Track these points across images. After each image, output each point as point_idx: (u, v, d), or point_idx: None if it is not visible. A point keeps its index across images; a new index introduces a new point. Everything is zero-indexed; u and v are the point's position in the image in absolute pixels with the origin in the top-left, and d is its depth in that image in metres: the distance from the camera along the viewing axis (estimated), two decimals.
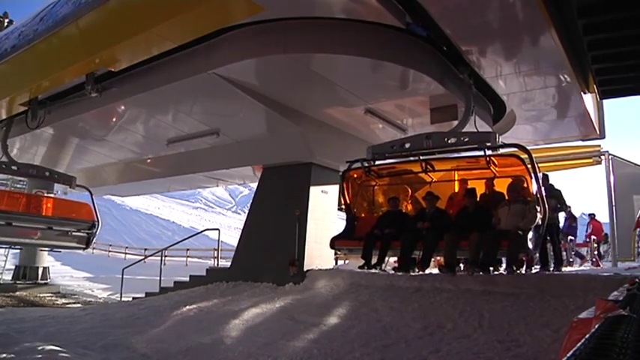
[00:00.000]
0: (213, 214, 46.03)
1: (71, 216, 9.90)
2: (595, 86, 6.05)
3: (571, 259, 13.22)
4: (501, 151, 5.82)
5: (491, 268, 5.83)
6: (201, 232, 15.58)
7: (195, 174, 11.04)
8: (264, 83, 6.78)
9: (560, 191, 7.05)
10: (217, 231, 11.84)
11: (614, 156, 10.46)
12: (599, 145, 10.56)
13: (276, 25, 5.47)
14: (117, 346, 5.45)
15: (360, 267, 6.44)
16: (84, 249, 10.47)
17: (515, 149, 5.70)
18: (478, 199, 6.32)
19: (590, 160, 10.83)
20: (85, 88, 6.74)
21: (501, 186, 6.42)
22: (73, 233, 9.63)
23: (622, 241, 10.27)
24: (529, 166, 5.40)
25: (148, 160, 10.83)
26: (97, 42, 5.60)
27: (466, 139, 5.53)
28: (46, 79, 6.71)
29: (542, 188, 5.38)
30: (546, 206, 5.17)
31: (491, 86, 6.88)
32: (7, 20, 13.41)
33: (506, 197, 6.03)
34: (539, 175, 5.55)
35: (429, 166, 6.35)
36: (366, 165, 6.15)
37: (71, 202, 10.82)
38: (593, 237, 15.10)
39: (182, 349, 5.14)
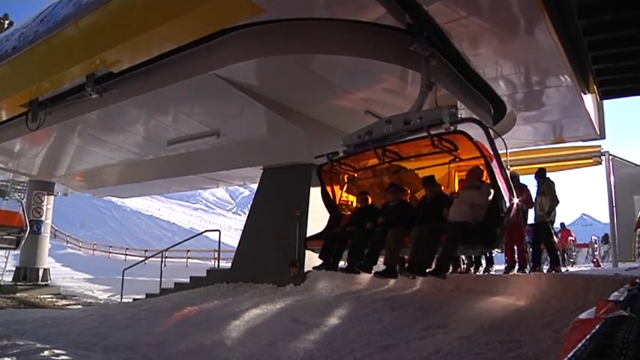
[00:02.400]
0: (214, 215, 46.03)
1: (3, 223, 11.92)
2: (595, 87, 6.05)
3: (571, 259, 13.27)
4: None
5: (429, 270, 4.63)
6: (202, 233, 15.57)
7: (195, 175, 11.05)
8: (265, 84, 6.79)
9: (551, 185, 6.98)
10: (218, 232, 11.84)
11: (615, 156, 10.47)
12: (600, 146, 10.58)
13: (277, 26, 5.47)
14: (117, 347, 5.45)
15: (315, 267, 5.51)
16: (14, 249, 12.65)
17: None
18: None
19: (591, 161, 10.85)
20: (86, 89, 6.74)
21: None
22: (4, 237, 11.88)
23: (622, 242, 10.26)
24: (487, 145, 4.53)
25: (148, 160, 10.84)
26: (98, 43, 5.61)
27: (419, 119, 4.83)
28: (46, 80, 6.72)
29: (508, 175, 4.42)
30: (512, 194, 4.27)
31: (492, 87, 6.88)
32: (7, 22, 13.41)
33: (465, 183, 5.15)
34: (511, 170, 4.85)
35: (392, 154, 5.37)
36: (335, 158, 5.41)
37: (4, 212, 12.64)
38: (594, 237, 15.15)
39: (183, 350, 5.14)
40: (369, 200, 5.85)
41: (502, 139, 4.71)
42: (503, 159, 4.44)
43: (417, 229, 4.58)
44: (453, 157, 5.17)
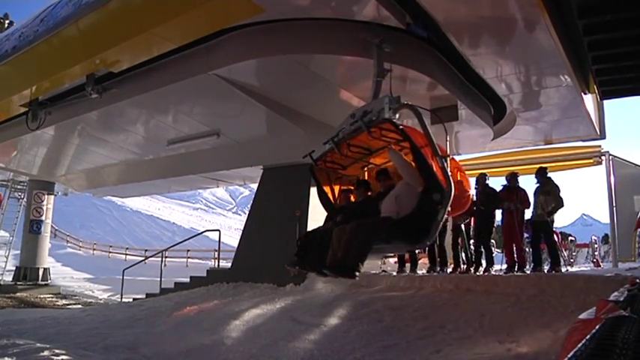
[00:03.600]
0: (214, 215, 46.03)
1: None
2: (595, 87, 6.05)
3: (572, 260, 13.26)
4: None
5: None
6: (202, 233, 15.59)
7: (195, 175, 11.05)
8: (265, 84, 6.79)
9: (556, 187, 7.00)
10: (218, 232, 11.85)
11: (615, 156, 10.46)
12: (600, 146, 10.56)
13: (277, 25, 5.47)
14: (117, 347, 5.45)
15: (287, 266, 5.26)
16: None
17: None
18: None
19: (591, 161, 10.83)
20: (86, 89, 6.74)
21: None
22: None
23: (622, 242, 10.25)
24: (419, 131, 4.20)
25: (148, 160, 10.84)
26: (98, 43, 5.61)
27: (367, 111, 4.56)
28: (46, 80, 6.72)
29: (445, 164, 4.03)
30: (450, 185, 3.88)
31: (492, 87, 6.88)
32: (7, 21, 13.42)
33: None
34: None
35: (359, 149, 5.14)
36: (316, 158, 5.18)
37: None
38: (594, 237, 15.14)
39: (183, 350, 5.14)
40: (352, 197, 5.51)
41: (444, 125, 4.57)
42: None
43: (350, 225, 4.22)
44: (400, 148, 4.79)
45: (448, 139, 4.47)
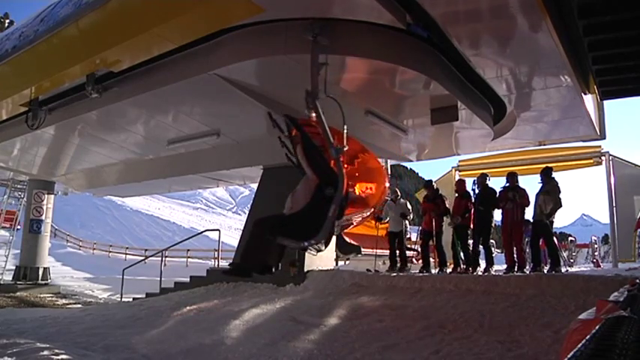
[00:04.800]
0: (214, 215, 46.03)
1: None
2: (595, 87, 6.06)
3: (571, 260, 13.26)
4: None
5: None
6: (202, 232, 15.58)
7: (195, 174, 11.05)
8: (265, 84, 6.79)
9: (557, 188, 7.00)
10: (218, 232, 11.85)
11: (615, 157, 10.47)
12: (600, 146, 10.57)
13: (277, 25, 5.47)
14: (117, 346, 5.45)
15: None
16: None
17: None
18: None
19: (591, 161, 10.85)
20: (86, 88, 6.75)
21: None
22: None
23: (622, 242, 10.26)
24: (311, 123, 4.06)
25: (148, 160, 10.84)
26: (98, 43, 5.61)
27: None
28: (46, 79, 6.72)
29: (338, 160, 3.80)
30: (342, 180, 3.68)
31: (492, 87, 6.88)
32: (7, 21, 13.42)
33: None
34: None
35: None
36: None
37: None
38: (594, 238, 15.15)
39: (182, 350, 5.14)
40: None
41: (342, 111, 4.32)
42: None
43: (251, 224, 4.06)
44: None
45: (346, 129, 4.26)
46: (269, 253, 4.02)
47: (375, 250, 9.11)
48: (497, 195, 7.44)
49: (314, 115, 4.15)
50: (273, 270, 4.30)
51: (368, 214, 4.82)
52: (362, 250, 10.20)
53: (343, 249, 9.54)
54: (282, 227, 3.87)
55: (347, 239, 9.49)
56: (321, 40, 4.95)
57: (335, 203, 3.65)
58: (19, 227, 15.80)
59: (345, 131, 4.04)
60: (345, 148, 4.00)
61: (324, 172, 3.83)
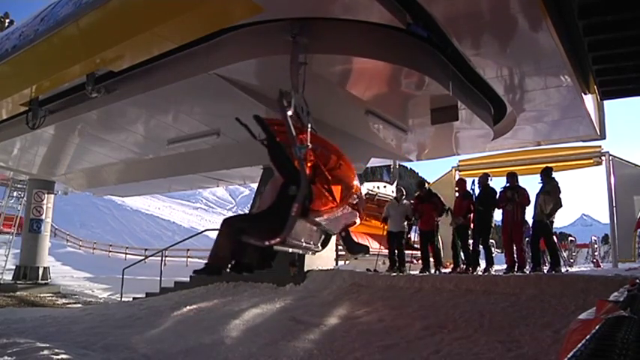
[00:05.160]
0: (214, 215, 45.98)
1: None
2: (595, 87, 6.06)
3: (571, 260, 13.27)
4: None
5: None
6: (202, 232, 15.56)
7: (195, 174, 11.05)
8: (265, 84, 6.79)
9: (557, 188, 7.00)
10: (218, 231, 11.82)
11: (615, 157, 10.47)
12: (600, 146, 10.57)
13: (277, 25, 5.47)
14: (117, 346, 5.45)
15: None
16: None
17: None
18: None
19: (591, 161, 10.84)
20: (86, 88, 6.74)
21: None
22: None
23: (622, 242, 10.26)
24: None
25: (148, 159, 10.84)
26: (98, 42, 5.60)
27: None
28: (46, 79, 6.72)
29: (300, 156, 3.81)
30: (304, 178, 3.71)
31: (492, 87, 6.88)
32: (7, 20, 13.42)
33: None
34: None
35: None
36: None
37: None
38: (594, 238, 15.16)
39: (182, 350, 5.14)
40: None
41: (308, 113, 4.37)
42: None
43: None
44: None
45: (311, 126, 4.32)
46: (243, 251, 4.03)
47: (380, 249, 9.13)
48: (498, 195, 7.45)
49: (290, 113, 4.19)
50: (269, 267, 4.36)
51: (344, 212, 4.82)
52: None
53: (351, 249, 9.53)
54: (248, 226, 3.91)
55: (355, 239, 9.49)
56: (299, 39, 5.04)
57: (297, 202, 3.67)
58: (18, 232, 15.81)
59: (309, 129, 4.13)
60: (309, 146, 4.04)
61: (289, 171, 3.87)
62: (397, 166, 12.92)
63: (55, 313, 8.89)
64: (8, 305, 11.02)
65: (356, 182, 5.08)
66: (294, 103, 4.28)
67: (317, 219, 4.29)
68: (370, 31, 5.44)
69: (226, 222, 4.06)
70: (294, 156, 3.83)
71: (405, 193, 9.09)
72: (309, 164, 3.98)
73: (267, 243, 3.83)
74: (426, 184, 8.62)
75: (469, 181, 8.52)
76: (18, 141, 10.02)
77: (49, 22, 5.90)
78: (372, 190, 11.30)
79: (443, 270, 8.28)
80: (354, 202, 4.96)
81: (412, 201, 8.57)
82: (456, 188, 8.14)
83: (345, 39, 5.50)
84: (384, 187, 11.52)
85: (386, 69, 6.09)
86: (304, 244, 4.60)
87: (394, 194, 10.09)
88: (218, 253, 4.10)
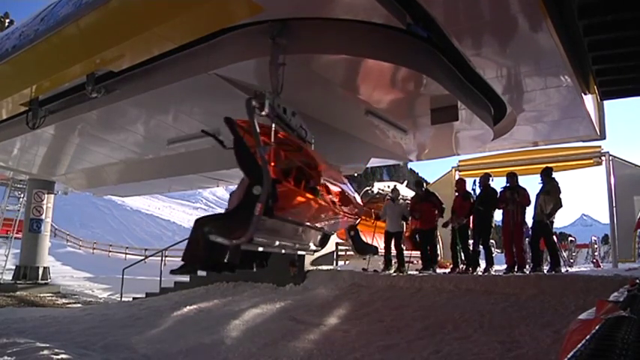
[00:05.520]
0: None
1: None
2: (595, 87, 6.06)
3: (571, 260, 13.27)
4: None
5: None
6: None
7: (195, 174, 11.04)
8: (265, 84, 6.77)
9: (557, 188, 7.00)
10: None
11: (615, 157, 10.48)
12: (600, 146, 10.58)
13: (277, 25, 5.46)
14: (117, 346, 5.46)
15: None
16: None
17: None
18: None
19: (591, 161, 10.86)
20: (86, 88, 6.74)
21: None
22: None
23: (622, 242, 10.26)
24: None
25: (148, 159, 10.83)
26: (98, 42, 5.60)
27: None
28: (46, 79, 6.71)
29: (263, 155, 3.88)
30: (267, 178, 3.76)
31: (492, 87, 6.88)
32: (7, 20, 13.44)
33: None
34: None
35: None
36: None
37: None
38: (594, 238, 15.16)
39: (182, 350, 5.14)
40: None
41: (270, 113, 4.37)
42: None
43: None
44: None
45: (301, 126, 4.56)
46: (221, 250, 4.12)
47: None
48: (498, 195, 7.45)
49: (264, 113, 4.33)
50: (261, 267, 4.64)
51: (330, 213, 4.93)
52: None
53: (360, 249, 9.55)
54: (215, 225, 4.00)
55: (364, 239, 9.50)
56: (279, 41, 5.11)
57: (260, 201, 3.72)
58: (17, 236, 15.81)
59: (274, 128, 4.21)
60: (272, 146, 4.14)
61: (253, 171, 3.97)
62: (406, 166, 13.01)
63: (55, 313, 8.89)
64: (8, 305, 11.03)
65: (344, 187, 5.18)
66: (268, 103, 4.39)
67: (292, 218, 4.48)
68: (370, 31, 5.43)
69: (197, 221, 4.19)
70: (259, 156, 3.89)
71: (400, 193, 9.11)
72: (273, 164, 4.06)
73: (233, 242, 3.89)
74: (424, 184, 8.63)
75: (470, 181, 8.53)
76: (18, 141, 10.01)
77: (49, 22, 5.89)
78: (382, 190, 11.33)
79: (442, 270, 8.29)
80: (346, 205, 5.06)
81: (409, 200, 8.61)
82: (455, 188, 8.14)
83: (345, 39, 5.50)
84: (395, 186, 11.54)
85: (386, 69, 6.08)
86: (291, 244, 4.78)
87: (401, 193, 10.13)
88: (191, 252, 4.21)
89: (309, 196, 4.51)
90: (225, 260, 4.30)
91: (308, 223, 4.86)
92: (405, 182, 11.93)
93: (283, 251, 4.88)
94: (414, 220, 8.48)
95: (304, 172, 4.66)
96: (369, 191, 11.39)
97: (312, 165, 4.81)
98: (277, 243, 4.43)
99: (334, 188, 4.97)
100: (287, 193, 4.13)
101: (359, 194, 9.24)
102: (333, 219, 5.32)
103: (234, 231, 3.82)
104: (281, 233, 4.53)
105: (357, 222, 6.25)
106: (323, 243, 5.74)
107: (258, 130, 4.03)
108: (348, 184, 5.90)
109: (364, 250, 9.46)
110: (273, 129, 4.20)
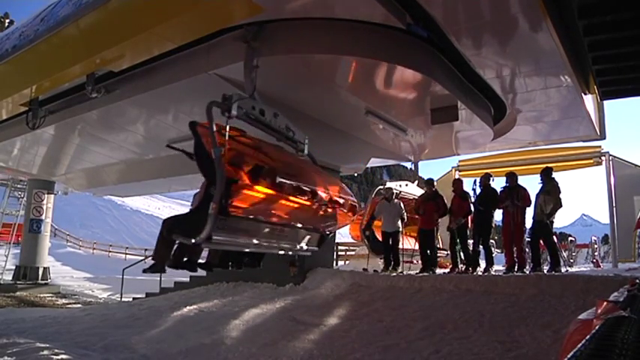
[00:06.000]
0: None
1: None
2: (595, 87, 6.05)
3: (571, 260, 13.27)
4: None
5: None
6: None
7: (195, 174, 11.03)
8: (265, 84, 6.77)
9: (557, 188, 7.00)
10: None
11: (615, 157, 10.48)
12: (600, 146, 10.60)
13: (277, 25, 5.47)
14: (117, 346, 5.45)
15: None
16: None
17: None
18: None
19: (591, 161, 10.87)
20: (86, 88, 6.74)
21: None
22: None
23: (622, 242, 10.27)
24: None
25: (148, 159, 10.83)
26: (98, 42, 5.60)
27: (293, 132, 5.32)
28: (46, 79, 6.71)
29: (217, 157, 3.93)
30: (220, 179, 3.89)
31: (492, 87, 6.88)
32: (7, 20, 13.43)
33: None
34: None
35: None
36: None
37: None
38: (594, 238, 15.17)
39: (182, 350, 5.14)
40: None
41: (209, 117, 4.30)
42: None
43: None
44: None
45: (287, 126, 4.74)
46: (193, 250, 4.44)
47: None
48: (499, 195, 7.46)
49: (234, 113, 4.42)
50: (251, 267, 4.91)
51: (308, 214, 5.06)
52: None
53: (375, 249, 9.57)
54: (177, 225, 4.24)
55: (379, 238, 9.51)
56: (253, 44, 5.24)
57: (214, 201, 3.85)
58: (16, 242, 15.81)
59: (228, 129, 4.24)
60: (225, 147, 4.20)
61: (209, 172, 4.11)
62: (416, 169, 13.00)
63: (55, 313, 8.89)
64: (8, 305, 11.02)
65: (328, 187, 5.35)
66: (237, 106, 4.47)
67: (261, 217, 4.64)
68: (370, 31, 5.44)
69: (164, 221, 4.42)
70: (214, 157, 3.99)
71: (394, 192, 9.12)
72: (227, 164, 4.19)
73: (191, 241, 4.10)
74: (434, 183, 8.62)
75: (470, 181, 8.52)
76: (18, 141, 10.01)
77: (49, 22, 5.89)
78: (395, 189, 11.37)
79: (442, 270, 8.30)
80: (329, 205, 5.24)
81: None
82: (453, 188, 8.14)
83: (345, 39, 5.50)
84: (406, 185, 11.54)
85: (386, 69, 6.09)
86: (271, 244, 4.98)
87: (415, 192, 10.15)
88: (159, 251, 4.49)
89: (271, 194, 4.62)
90: (194, 259, 4.73)
91: (277, 222, 4.96)
92: (416, 182, 11.91)
93: (269, 251, 5.17)
94: (419, 215, 8.51)
95: (269, 170, 4.72)
96: (382, 190, 11.39)
97: (281, 164, 4.93)
98: (253, 242, 4.63)
99: (309, 187, 5.05)
100: (245, 192, 4.26)
101: (370, 193, 9.27)
102: (316, 218, 5.40)
103: (194, 231, 3.97)
104: (253, 233, 4.65)
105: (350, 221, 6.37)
106: (319, 244, 5.82)
107: (215, 128, 4.10)
108: (343, 186, 6.01)
109: (380, 250, 9.49)
110: (228, 129, 4.23)
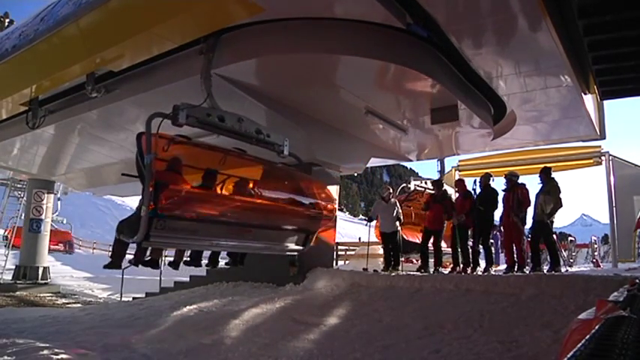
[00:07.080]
0: None
1: None
2: (595, 87, 6.06)
3: (571, 260, 13.27)
4: None
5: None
6: None
7: None
8: (265, 84, 6.78)
9: (557, 188, 7.00)
10: None
11: (615, 157, 10.49)
12: (600, 146, 10.60)
13: (277, 25, 5.47)
14: (117, 346, 5.45)
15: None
16: None
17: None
18: None
19: (591, 161, 10.87)
20: (86, 88, 6.74)
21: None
22: None
23: (622, 242, 10.27)
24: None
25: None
26: (98, 42, 5.60)
27: (268, 135, 5.72)
28: (46, 79, 6.72)
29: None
30: (147, 184, 4.35)
31: (492, 87, 6.88)
32: (7, 20, 13.43)
33: None
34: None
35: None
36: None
37: None
38: (594, 238, 15.17)
39: (182, 350, 5.14)
40: None
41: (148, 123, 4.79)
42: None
43: None
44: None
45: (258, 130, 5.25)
46: (144, 249, 5.05)
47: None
48: (497, 195, 7.46)
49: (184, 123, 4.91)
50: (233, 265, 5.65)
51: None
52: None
53: (404, 248, 9.59)
54: (124, 226, 4.72)
55: (407, 238, 9.52)
56: (209, 56, 5.56)
57: (144, 204, 4.30)
58: (14, 246, 15.80)
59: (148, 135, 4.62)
60: (155, 155, 4.54)
61: (141, 178, 4.52)
62: (440, 164, 12.95)
63: (55, 312, 8.88)
64: (8, 305, 11.01)
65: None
66: (185, 114, 5.05)
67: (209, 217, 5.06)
68: (370, 31, 5.44)
69: (119, 223, 5.00)
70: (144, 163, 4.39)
71: (391, 191, 9.12)
72: (159, 169, 4.59)
73: (130, 241, 4.66)
74: (443, 184, 8.63)
75: (470, 181, 8.53)
76: (18, 141, 10.01)
77: (49, 22, 5.90)
78: (419, 186, 11.34)
79: (442, 270, 8.30)
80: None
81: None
82: (456, 188, 8.16)
83: (344, 39, 5.50)
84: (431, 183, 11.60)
85: (386, 69, 6.09)
86: (239, 244, 5.57)
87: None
88: (114, 249, 5.24)
89: (206, 194, 5.17)
90: (155, 258, 5.43)
91: (235, 222, 5.42)
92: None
93: (244, 251, 5.99)
94: (425, 212, 8.53)
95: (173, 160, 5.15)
96: (406, 188, 11.30)
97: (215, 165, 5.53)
98: (211, 242, 5.22)
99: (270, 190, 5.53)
100: (179, 195, 4.72)
101: (394, 191, 9.32)
102: (281, 218, 5.90)
103: (133, 231, 4.43)
104: (205, 233, 5.11)
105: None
106: (304, 243, 6.12)
107: (151, 136, 4.55)
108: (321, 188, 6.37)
109: (408, 248, 9.50)
110: (158, 135, 4.66)
